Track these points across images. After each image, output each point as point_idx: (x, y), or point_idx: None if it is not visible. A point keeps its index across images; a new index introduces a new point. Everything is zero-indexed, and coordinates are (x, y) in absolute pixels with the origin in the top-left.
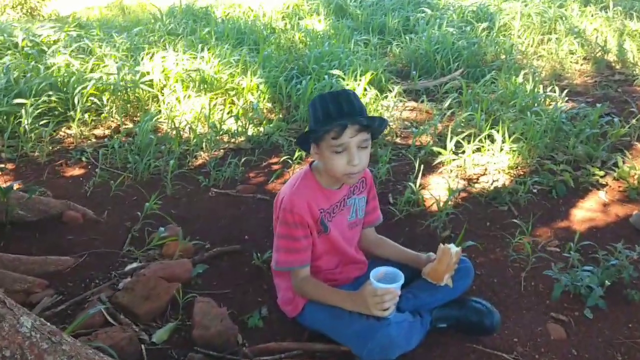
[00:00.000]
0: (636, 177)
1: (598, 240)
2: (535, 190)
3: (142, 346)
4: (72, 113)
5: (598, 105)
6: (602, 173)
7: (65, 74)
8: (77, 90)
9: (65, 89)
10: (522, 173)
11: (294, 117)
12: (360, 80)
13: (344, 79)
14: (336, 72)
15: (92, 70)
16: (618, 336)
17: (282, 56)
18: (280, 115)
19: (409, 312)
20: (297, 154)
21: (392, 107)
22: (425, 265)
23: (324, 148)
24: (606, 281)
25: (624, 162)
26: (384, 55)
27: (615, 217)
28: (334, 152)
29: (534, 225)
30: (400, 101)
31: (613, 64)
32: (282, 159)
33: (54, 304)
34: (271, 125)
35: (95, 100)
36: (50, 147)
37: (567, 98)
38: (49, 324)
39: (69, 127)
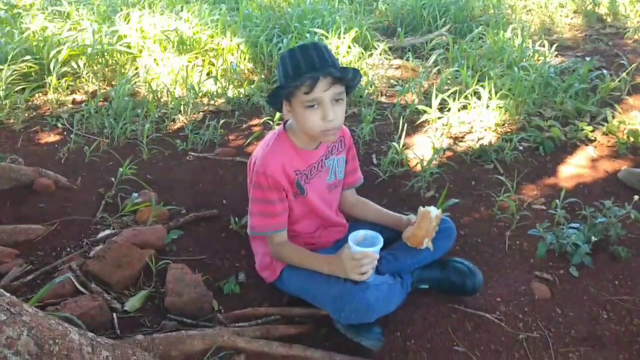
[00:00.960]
0: (626, 131)
1: (585, 197)
2: (521, 148)
3: (114, 315)
4: (48, 79)
5: (588, 59)
6: (590, 128)
7: (41, 39)
8: (52, 55)
9: (40, 54)
10: (508, 130)
11: (275, 78)
12: (344, 38)
13: (327, 37)
14: (319, 30)
15: (68, 32)
16: (603, 293)
17: (263, 14)
18: (262, 76)
19: (389, 275)
20: (277, 115)
21: (377, 65)
22: (406, 228)
23: (296, 105)
24: (592, 237)
25: (613, 117)
26: (370, 12)
27: (603, 173)
28: (307, 108)
29: (520, 183)
30: (386, 59)
31: (604, 17)
32: (263, 121)
33: (23, 273)
34: (252, 86)
35: (72, 64)
36: (26, 114)
37: (556, 53)
38: (8, 294)
39: (45, 93)
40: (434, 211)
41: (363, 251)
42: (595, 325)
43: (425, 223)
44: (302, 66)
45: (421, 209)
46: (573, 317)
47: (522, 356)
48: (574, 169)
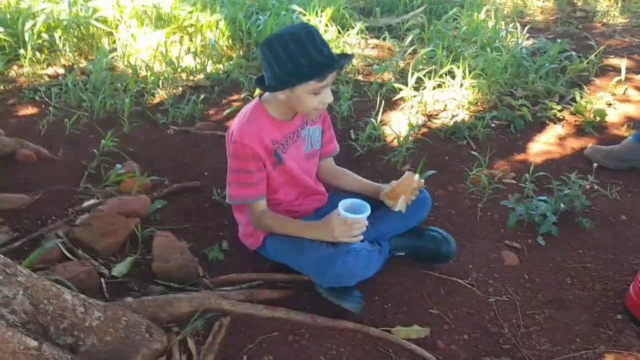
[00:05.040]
0: (592, 111)
1: (553, 172)
2: (493, 125)
3: (102, 279)
4: (22, 51)
5: (558, 41)
6: (559, 108)
7: (15, 10)
8: (27, 27)
9: (15, 25)
10: (481, 109)
11: (254, 55)
12: (321, 16)
13: (304, 15)
14: (297, 8)
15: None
16: (568, 261)
17: None
18: (241, 53)
19: (368, 242)
20: (257, 91)
21: (355, 45)
22: None
23: (302, 90)
24: (562, 205)
25: (581, 97)
26: None
27: (570, 150)
28: (314, 94)
29: (492, 159)
30: (363, 38)
31: (575, 1)
32: (242, 96)
33: (9, 240)
34: (231, 62)
35: (47, 37)
36: (2, 87)
37: (528, 35)
38: (2, 255)
39: (21, 66)
40: (417, 177)
41: (356, 217)
42: (560, 290)
43: (408, 182)
44: (315, 56)
45: (407, 172)
46: (539, 283)
47: (492, 318)
48: (543, 146)
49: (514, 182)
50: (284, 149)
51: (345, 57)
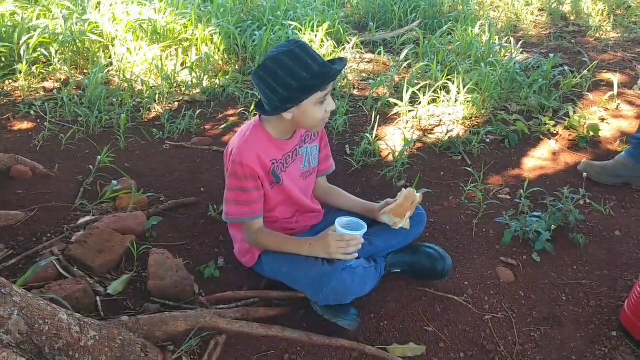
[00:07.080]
0: (586, 126)
1: (547, 187)
2: (488, 140)
3: (97, 298)
4: (18, 65)
5: (551, 56)
6: (553, 123)
7: (10, 24)
8: (22, 41)
9: (10, 40)
10: (476, 124)
11: (250, 69)
12: (317, 31)
13: (300, 30)
14: (293, 23)
15: (38, 19)
16: (563, 277)
17: (237, 6)
18: (236, 67)
19: (364, 259)
20: (253, 106)
21: (350, 59)
22: (378, 212)
23: (308, 104)
24: (552, 225)
25: (574, 112)
26: (342, 6)
27: (564, 165)
28: (319, 104)
29: (486, 174)
30: (358, 52)
31: (568, 15)
32: (238, 111)
33: (4, 258)
34: (227, 77)
35: (43, 51)
36: None
37: (521, 49)
38: None
39: (16, 80)
40: (418, 193)
41: (353, 234)
42: (555, 306)
43: (411, 197)
44: (314, 67)
45: (404, 190)
46: (535, 300)
47: (488, 335)
48: (537, 161)
49: (509, 197)
50: (283, 168)
51: (340, 61)
